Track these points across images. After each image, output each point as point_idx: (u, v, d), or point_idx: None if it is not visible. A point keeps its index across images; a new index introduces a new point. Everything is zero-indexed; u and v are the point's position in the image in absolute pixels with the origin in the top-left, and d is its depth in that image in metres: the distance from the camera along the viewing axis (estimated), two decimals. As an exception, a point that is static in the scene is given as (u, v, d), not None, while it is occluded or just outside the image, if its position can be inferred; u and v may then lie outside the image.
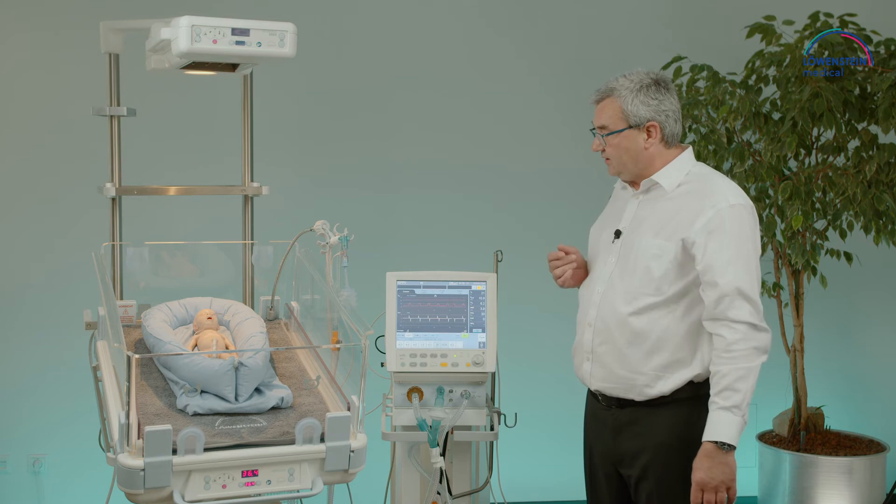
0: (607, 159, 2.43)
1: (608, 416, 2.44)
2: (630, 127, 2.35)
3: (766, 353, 2.25)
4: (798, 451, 3.81)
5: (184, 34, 2.39)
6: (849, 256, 3.81)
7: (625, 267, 2.37)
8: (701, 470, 2.23)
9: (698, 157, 3.67)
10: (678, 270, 2.29)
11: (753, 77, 3.80)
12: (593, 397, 2.50)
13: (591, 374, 2.43)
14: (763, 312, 2.26)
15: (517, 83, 4.22)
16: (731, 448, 2.21)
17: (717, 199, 2.28)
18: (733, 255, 2.24)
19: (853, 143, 3.66)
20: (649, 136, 2.36)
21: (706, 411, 2.28)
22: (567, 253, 2.52)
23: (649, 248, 2.33)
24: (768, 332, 2.26)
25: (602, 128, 2.40)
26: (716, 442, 2.21)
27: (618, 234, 2.43)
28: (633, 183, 2.45)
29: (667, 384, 2.32)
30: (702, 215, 2.27)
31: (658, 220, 2.35)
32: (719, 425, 2.21)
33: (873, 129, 3.67)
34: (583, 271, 2.53)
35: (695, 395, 2.33)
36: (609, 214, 2.54)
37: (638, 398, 2.36)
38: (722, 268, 2.23)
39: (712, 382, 2.25)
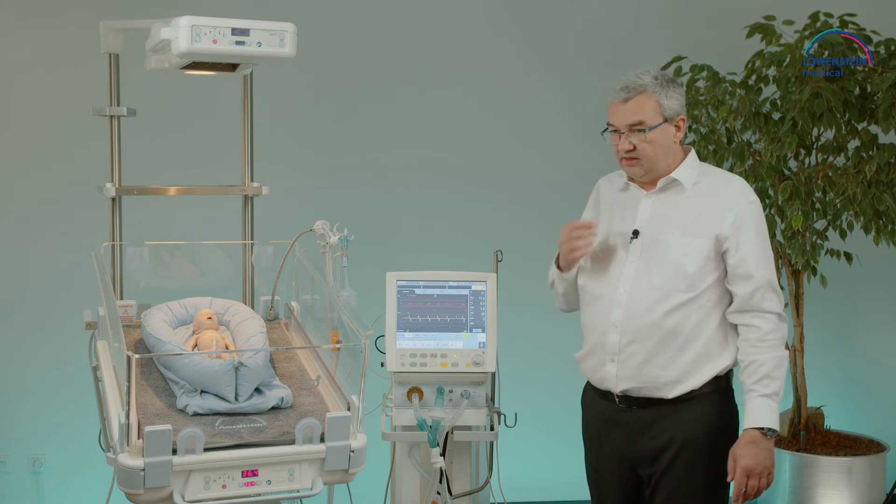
0: (634, 159, 2.38)
1: (629, 418, 2.42)
2: (666, 121, 2.36)
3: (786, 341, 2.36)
4: (798, 451, 3.81)
5: (184, 34, 2.39)
6: (849, 256, 3.81)
7: (650, 266, 2.37)
8: (747, 457, 2.29)
9: (699, 156, 3.68)
10: (709, 267, 2.34)
11: (753, 77, 3.80)
12: (604, 399, 2.47)
13: (616, 376, 2.41)
14: None
15: (517, 83, 4.22)
16: (775, 433, 2.30)
17: (738, 195, 2.37)
18: (761, 249, 2.34)
19: (853, 143, 3.66)
20: (678, 129, 2.39)
21: (729, 403, 2.37)
22: (589, 227, 2.44)
23: (679, 245, 2.35)
24: (787, 321, 2.37)
25: (637, 124, 2.35)
26: (760, 428, 2.28)
27: (636, 233, 2.41)
28: (644, 183, 2.44)
29: (696, 380, 2.35)
30: (729, 212, 2.34)
31: (683, 218, 2.37)
32: (762, 412, 2.29)
33: (873, 129, 3.67)
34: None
35: (718, 389, 2.38)
36: (613, 214, 2.50)
37: (667, 396, 2.37)
38: (755, 261, 2.32)
39: (748, 372, 2.32)
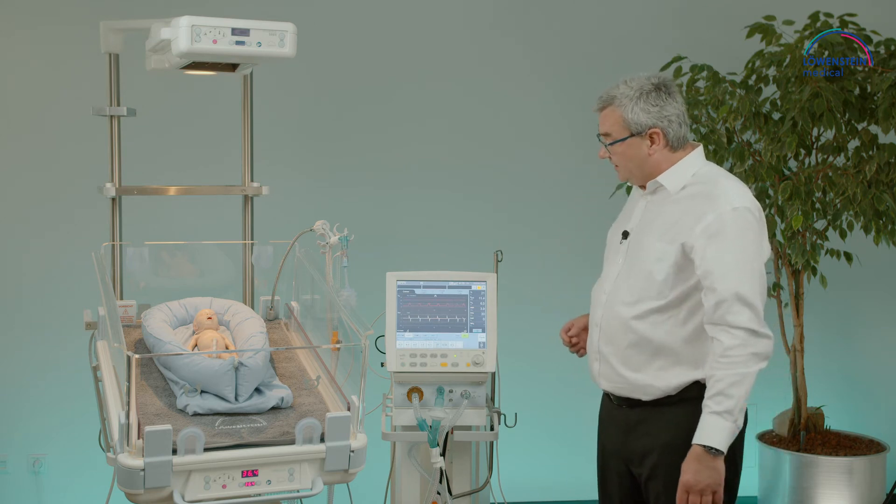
0: (616, 166, 2.42)
1: (619, 415, 2.44)
2: (632, 135, 2.34)
3: (765, 359, 2.22)
4: (798, 451, 3.81)
5: (184, 34, 2.39)
6: (849, 256, 3.81)
7: (630, 269, 2.36)
8: (688, 472, 2.22)
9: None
10: (679, 275, 2.28)
11: (753, 77, 3.80)
12: (606, 397, 2.51)
13: (599, 374, 2.44)
14: (764, 318, 2.23)
15: (518, 83, 4.22)
16: (720, 453, 2.20)
17: (721, 202, 2.25)
18: (733, 260, 2.21)
19: (853, 143, 3.66)
20: (653, 142, 2.34)
21: None
22: (574, 343, 2.61)
23: (653, 251, 2.31)
24: (769, 339, 2.22)
25: (606, 135, 2.38)
26: (704, 446, 2.19)
27: (625, 235, 2.42)
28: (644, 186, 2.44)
29: (671, 383, 2.32)
30: (702, 219, 2.24)
31: (663, 224, 2.33)
32: (710, 430, 2.20)
33: (873, 129, 3.67)
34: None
35: (702, 396, 2.30)
36: (623, 215, 2.52)
37: (644, 397, 2.36)
38: (721, 273, 2.20)
39: (707, 386, 2.23)
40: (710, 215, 2.24)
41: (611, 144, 2.37)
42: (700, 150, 2.39)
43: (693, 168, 2.36)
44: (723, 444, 2.19)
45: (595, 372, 2.45)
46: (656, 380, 2.32)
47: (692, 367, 2.31)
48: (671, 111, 2.34)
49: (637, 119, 2.32)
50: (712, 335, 2.24)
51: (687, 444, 2.29)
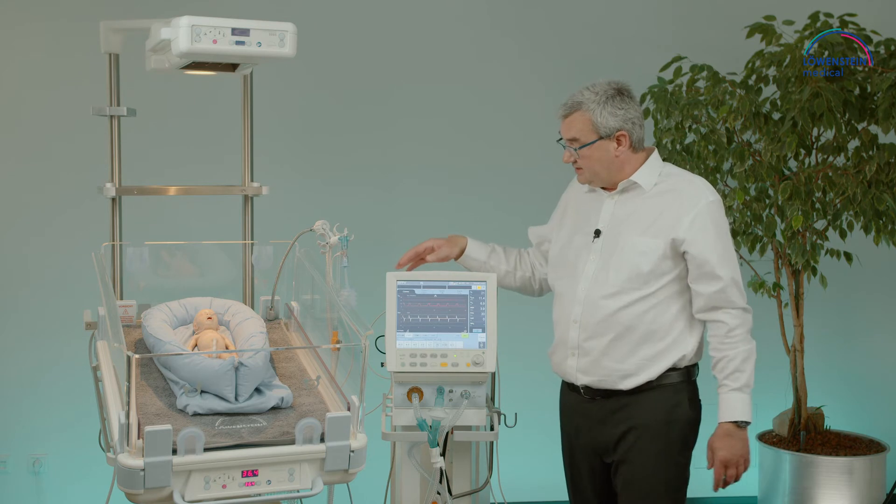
0: (579, 168, 2.55)
1: (593, 408, 2.54)
2: (601, 138, 2.46)
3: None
4: (798, 451, 3.81)
5: (184, 34, 2.39)
6: (849, 256, 3.81)
7: (609, 264, 2.47)
8: (724, 449, 2.42)
9: (698, 156, 3.69)
10: (665, 266, 2.43)
11: (753, 77, 3.80)
12: (573, 392, 2.59)
13: (576, 370, 2.52)
14: (758, 313, 2.52)
15: (518, 83, 4.22)
16: (747, 424, 2.40)
17: (698, 197, 2.44)
18: (722, 248, 2.42)
19: (853, 143, 3.66)
20: (619, 144, 2.47)
21: (687, 394, 2.47)
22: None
23: (636, 245, 2.44)
24: (751, 311, 2.43)
25: (573, 140, 2.50)
26: (735, 422, 2.38)
27: (597, 233, 2.52)
28: (605, 187, 2.56)
29: (652, 372, 2.45)
30: (688, 214, 2.42)
31: (642, 219, 2.47)
32: (734, 405, 2.40)
33: (873, 129, 3.67)
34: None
35: (678, 380, 2.47)
36: (577, 217, 2.63)
37: (625, 387, 2.46)
38: (717, 261, 2.39)
39: (719, 367, 2.42)
40: (692, 210, 2.42)
41: (579, 148, 2.49)
42: (657, 151, 2.56)
43: (658, 167, 2.53)
44: (748, 415, 2.41)
45: (571, 367, 2.54)
46: (640, 368, 2.45)
47: (671, 352, 2.45)
48: (633, 114, 2.48)
49: (606, 122, 2.45)
50: (712, 318, 2.43)
51: (661, 426, 2.45)
